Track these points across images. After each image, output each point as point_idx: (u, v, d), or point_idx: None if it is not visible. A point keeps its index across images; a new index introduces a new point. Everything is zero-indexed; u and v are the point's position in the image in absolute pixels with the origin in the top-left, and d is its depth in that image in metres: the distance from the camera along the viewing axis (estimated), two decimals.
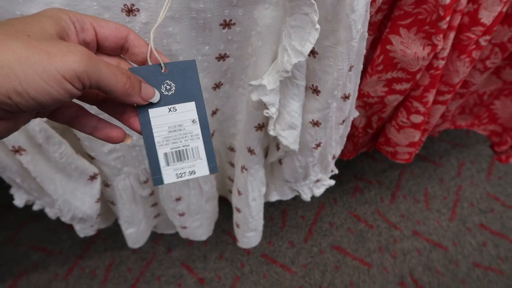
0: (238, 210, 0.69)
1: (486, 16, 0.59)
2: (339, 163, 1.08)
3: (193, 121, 0.30)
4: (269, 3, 0.40)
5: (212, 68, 0.47)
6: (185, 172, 0.30)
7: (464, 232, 1.10)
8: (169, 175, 0.30)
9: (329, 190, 1.21)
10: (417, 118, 0.75)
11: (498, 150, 0.94)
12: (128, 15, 0.38)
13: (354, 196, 1.18)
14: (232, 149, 0.66)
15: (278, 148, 0.59)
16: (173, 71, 0.29)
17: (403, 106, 0.74)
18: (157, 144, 0.29)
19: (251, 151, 0.58)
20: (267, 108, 0.47)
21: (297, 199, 1.19)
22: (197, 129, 0.30)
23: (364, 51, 0.49)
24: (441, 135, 1.31)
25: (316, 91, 0.49)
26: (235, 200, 0.69)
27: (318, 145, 0.56)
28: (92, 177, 0.56)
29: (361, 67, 0.51)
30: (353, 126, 0.82)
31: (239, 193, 0.66)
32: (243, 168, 0.63)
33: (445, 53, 0.63)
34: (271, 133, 0.50)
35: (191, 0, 0.38)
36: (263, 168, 0.62)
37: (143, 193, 0.66)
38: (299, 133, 0.51)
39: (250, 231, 0.71)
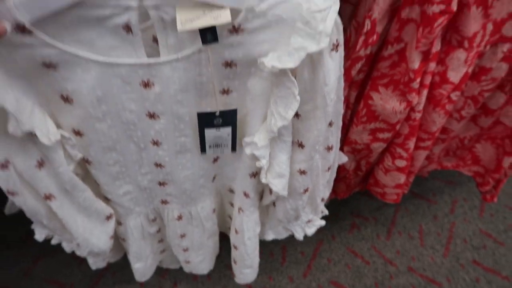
0: (236, 248, 0.75)
1: (454, 76, 0.68)
2: (335, 201, 1.15)
3: (228, 134, 0.53)
4: (259, 77, 0.49)
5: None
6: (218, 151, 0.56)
7: (457, 269, 1.14)
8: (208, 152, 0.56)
9: (326, 227, 1.27)
10: (401, 163, 0.82)
11: (482, 190, 1.00)
12: (145, 88, 0.47)
13: (351, 233, 1.24)
14: (231, 191, 0.72)
15: (271, 192, 0.66)
16: (223, 114, 0.52)
17: (388, 152, 0.82)
18: (206, 139, 0.54)
19: (246, 194, 0.66)
20: (259, 160, 0.55)
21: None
22: (229, 136, 0.55)
23: (342, 111, 0.57)
24: (434, 173, 1.38)
25: (300, 145, 0.57)
26: (233, 238, 0.75)
27: (306, 190, 0.63)
28: (108, 217, 0.64)
29: (340, 123, 0.59)
30: (344, 169, 0.89)
31: (236, 232, 0.73)
32: (239, 209, 0.70)
33: (421, 107, 0.72)
34: (263, 181, 0.58)
35: (196, 75, 0.47)
36: (257, 210, 0.69)
37: (151, 230, 0.73)
38: (287, 181, 0.58)
39: (246, 267, 0.77)
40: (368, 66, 0.69)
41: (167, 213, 0.69)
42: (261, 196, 0.69)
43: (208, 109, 0.53)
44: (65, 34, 0.40)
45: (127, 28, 0.41)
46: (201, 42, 0.43)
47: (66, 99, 0.47)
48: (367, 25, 0.61)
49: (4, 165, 0.47)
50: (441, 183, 1.37)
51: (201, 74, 0.47)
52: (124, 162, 0.58)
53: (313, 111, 0.51)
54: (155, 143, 0.54)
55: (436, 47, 0.63)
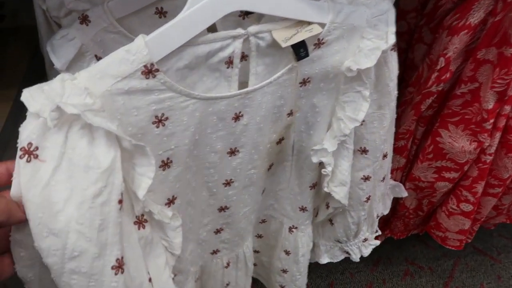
0: (284, 271, 0.75)
1: None
2: (390, 244, 1.11)
3: None
4: (326, 90, 0.53)
5: (272, 152, 0.59)
6: None
7: None
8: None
9: (378, 270, 1.22)
10: (467, 207, 0.79)
11: None
12: (235, 121, 0.49)
13: (404, 280, 1.18)
14: (263, 221, 0.72)
15: (327, 206, 0.66)
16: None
17: (453, 194, 0.80)
18: None
19: (303, 209, 0.67)
20: (324, 168, 0.57)
21: (345, 274, 1.21)
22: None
23: (395, 116, 0.60)
24: (500, 231, 1.28)
25: (364, 151, 0.60)
26: (281, 263, 0.74)
27: (368, 199, 0.65)
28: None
29: (393, 129, 0.62)
30: (404, 207, 0.88)
31: (288, 253, 0.72)
32: (291, 228, 0.71)
33: (492, 150, 0.70)
34: (325, 189, 0.60)
35: (276, 99, 0.51)
36: (311, 225, 0.70)
37: None
38: (348, 190, 0.60)
39: (296, 287, 0.76)
40: (438, 102, 0.70)
41: (215, 263, 0.67)
42: (316, 213, 0.70)
43: (273, 136, 0.56)
44: (178, 78, 0.40)
45: (229, 61, 0.43)
46: (289, 62, 0.47)
47: (165, 164, 0.45)
48: (441, 62, 0.63)
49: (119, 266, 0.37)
50: (507, 241, 1.27)
51: (281, 96, 0.50)
52: (193, 215, 0.56)
53: (378, 111, 0.55)
54: (228, 183, 0.55)
55: None
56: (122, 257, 0.37)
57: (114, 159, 0.35)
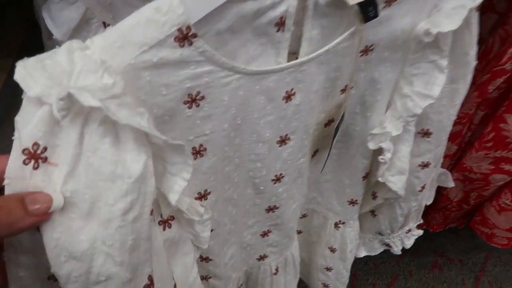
0: (329, 269, 0.68)
1: None
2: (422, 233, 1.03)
3: None
4: (390, 61, 0.43)
5: (318, 136, 0.50)
6: None
7: None
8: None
9: (404, 262, 1.15)
10: None
11: None
12: (287, 102, 0.40)
13: (432, 272, 1.11)
14: (304, 216, 0.66)
15: (374, 197, 0.59)
16: None
17: (508, 188, 0.71)
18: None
19: (352, 202, 0.59)
20: (381, 155, 0.49)
21: (369, 264, 1.14)
22: None
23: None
24: None
25: (426, 133, 0.51)
26: (325, 261, 0.68)
27: (423, 188, 0.57)
28: None
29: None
30: (447, 199, 0.79)
31: (333, 250, 0.66)
32: (338, 223, 0.64)
33: None
34: (380, 179, 0.52)
35: (332, 70, 0.42)
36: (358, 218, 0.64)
37: None
38: (406, 179, 0.52)
39: (341, 285, 0.71)
40: (509, 82, 0.59)
41: (263, 270, 0.60)
42: None
43: (321, 116, 0.47)
44: (216, 44, 0.31)
45: (280, 22, 0.34)
46: (350, 25, 0.37)
47: (197, 152, 0.37)
48: None
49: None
50: None
51: (337, 68, 0.41)
52: (235, 216, 0.49)
53: (450, 85, 0.45)
54: (277, 179, 0.47)
55: None
56: (152, 271, 0.32)
57: (146, 162, 0.27)
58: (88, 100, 0.22)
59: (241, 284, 0.60)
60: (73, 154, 0.25)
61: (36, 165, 0.25)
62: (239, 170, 0.43)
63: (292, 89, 0.39)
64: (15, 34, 0.59)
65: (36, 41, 0.51)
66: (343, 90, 0.45)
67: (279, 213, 0.51)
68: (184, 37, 0.28)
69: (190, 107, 0.33)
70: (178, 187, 0.31)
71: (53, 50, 0.26)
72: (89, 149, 0.25)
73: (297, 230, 0.67)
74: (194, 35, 0.28)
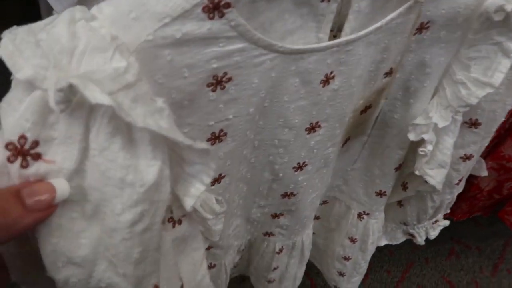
0: (347, 259, 0.65)
1: None
2: None
3: None
4: (446, 41, 0.38)
5: (353, 123, 0.45)
6: None
7: None
8: None
9: (420, 248, 1.11)
10: None
11: None
12: (324, 86, 0.34)
13: (449, 259, 1.07)
14: (324, 202, 0.62)
15: (405, 188, 0.55)
16: None
17: None
18: None
19: (381, 193, 0.55)
20: (420, 147, 0.44)
21: (383, 251, 1.10)
22: None
23: None
24: None
25: (475, 124, 0.46)
26: (344, 250, 0.65)
27: (460, 181, 0.53)
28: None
29: None
30: (477, 187, 0.74)
31: (353, 241, 0.62)
32: (361, 214, 0.60)
33: None
34: (417, 172, 0.47)
35: (379, 51, 0.36)
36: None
37: (235, 259, 0.62)
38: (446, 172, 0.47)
39: (357, 275, 0.67)
40: None
41: (266, 245, 0.57)
42: None
43: (360, 102, 0.42)
44: (249, 14, 0.26)
45: None
46: None
47: (216, 137, 0.32)
48: None
49: None
50: None
51: (386, 48, 0.36)
52: (246, 193, 0.46)
53: (510, 70, 0.40)
54: (299, 167, 0.42)
55: None
56: (158, 281, 0.29)
57: (162, 167, 0.22)
58: (95, 96, 0.17)
59: (243, 249, 0.58)
60: (79, 148, 0.20)
61: (24, 163, 0.20)
62: (257, 153, 0.39)
63: (332, 72, 0.33)
64: (11, 9, 0.53)
65: (34, 17, 0.45)
66: (386, 74, 0.39)
67: (295, 201, 0.47)
68: (215, 6, 0.22)
69: (214, 90, 0.28)
70: (195, 191, 0.26)
71: (50, 19, 0.20)
72: (95, 147, 0.20)
73: (316, 216, 0.63)
74: (227, 5, 0.23)
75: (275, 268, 0.61)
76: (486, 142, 0.48)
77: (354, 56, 0.32)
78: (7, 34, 0.19)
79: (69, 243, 0.22)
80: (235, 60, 0.26)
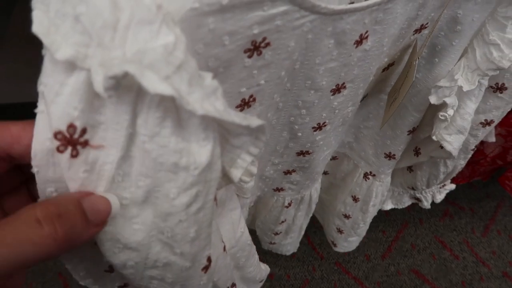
0: (347, 217, 0.66)
1: None
2: None
3: None
4: None
5: (373, 80, 0.42)
6: None
7: None
8: None
9: (415, 209, 1.14)
10: None
11: None
12: (357, 47, 0.32)
13: (442, 220, 1.09)
14: (334, 158, 0.62)
15: (417, 153, 0.54)
16: None
17: None
18: None
19: (390, 156, 0.54)
20: (441, 111, 0.42)
21: (379, 211, 1.12)
22: None
23: None
24: None
25: (500, 89, 0.44)
26: (345, 208, 0.65)
27: (476, 146, 0.53)
28: None
29: None
30: (482, 153, 0.74)
31: (355, 199, 0.62)
32: (367, 174, 0.59)
33: None
34: (434, 137, 0.46)
35: (414, 9, 0.33)
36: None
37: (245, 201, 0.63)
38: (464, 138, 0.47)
39: (354, 235, 0.68)
40: None
41: (276, 199, 0.58)
42: None
43: (385, 59, 0.39)
44: None
45: None
46: None
47: (246, 103, 0.31)
48: None
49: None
50: None
51: (422, 5, 0.32)
52: (261, 154, 0.46)
53: None
54: (319, 127, 0.41)
55: None
56: (211, 252, 0.28)
57: (214, 146, 0.20)
58: (155, 85, 0.15)
59: (252, 206, 0.58)
60: (126, 135, 0.19)
61: (74, 153, 0.19)
62: (279, 114, 0.38)
63: (366, 32, 0.30)
64: None
65: None
66: (416, 31, 0.36)
67: (309, 158, 0.47)
68: None
69: (250, 56, 0.25)
70: (242, 162, 0.25)
71: None
72: (144, 133, 0.19)
73: (324, 171, 0.63)
74: None
75: (282, 221, 0.62)
76: (509, 108, 0.47)
77: (391, 15, 0.30)
78: (37, 4, 0.16)
79: (123, 230, 0.22)
80: (276, 24, 0.23)
